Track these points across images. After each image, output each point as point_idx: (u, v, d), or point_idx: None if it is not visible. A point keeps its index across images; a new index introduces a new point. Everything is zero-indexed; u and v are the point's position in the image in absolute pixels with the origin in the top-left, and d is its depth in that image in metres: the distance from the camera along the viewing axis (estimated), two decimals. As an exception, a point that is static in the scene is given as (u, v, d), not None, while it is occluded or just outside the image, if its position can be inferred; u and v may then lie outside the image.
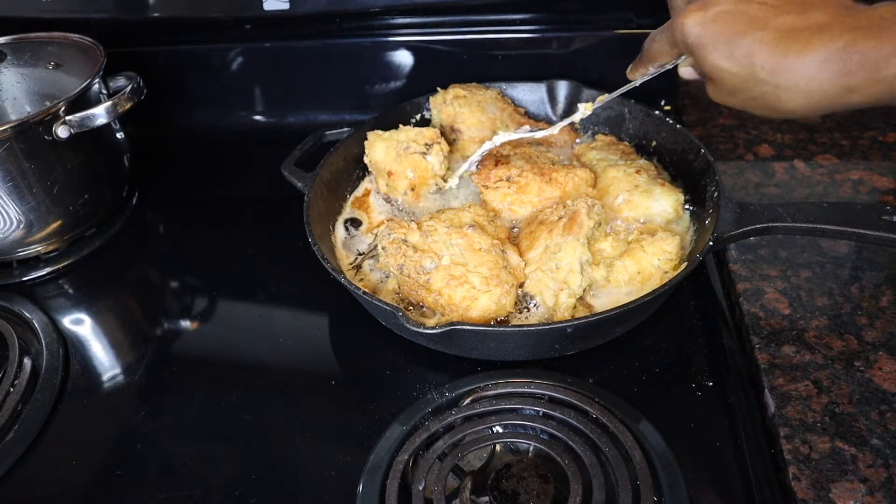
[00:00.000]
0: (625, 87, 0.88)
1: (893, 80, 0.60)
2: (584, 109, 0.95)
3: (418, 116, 1.17)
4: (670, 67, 0.80)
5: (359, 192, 1.09)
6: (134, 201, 1.20)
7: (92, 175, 1.07)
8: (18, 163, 0.96)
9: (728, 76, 0.68)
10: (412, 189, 1.04)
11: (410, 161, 1.03)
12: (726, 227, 0.85)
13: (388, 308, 0.79)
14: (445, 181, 1.05)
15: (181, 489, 0.76)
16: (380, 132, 1.06)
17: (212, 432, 0.82)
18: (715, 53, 0.67)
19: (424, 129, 1.05)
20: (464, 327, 0.77)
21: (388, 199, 1.06)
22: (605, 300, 0.88)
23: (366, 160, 1.06)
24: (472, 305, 0.84)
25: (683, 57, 0.76)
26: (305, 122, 1.33)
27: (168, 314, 0.99)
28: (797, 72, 0.63)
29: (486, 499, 0.70)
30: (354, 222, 1.04)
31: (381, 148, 1.04)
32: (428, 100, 1.15)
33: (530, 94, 1.17)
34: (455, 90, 1.13)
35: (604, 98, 0.95)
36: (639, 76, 0.84)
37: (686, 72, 0.77)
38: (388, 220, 0.92)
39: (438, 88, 1.15)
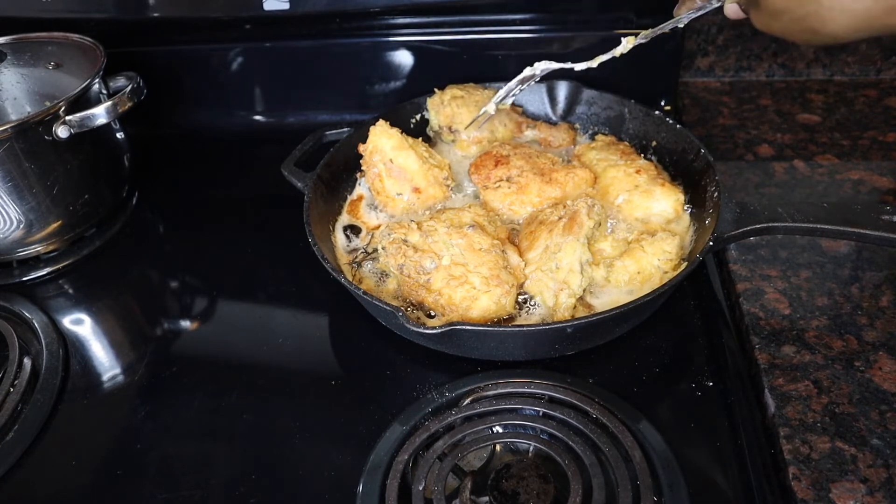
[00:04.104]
0: (668, 23, 0.86)
1: None
2: (626, 42, 0.92)
3: (418, 116, 1.17)
4: (717, 6, 0.79)
5: (353, 195, 1.09)
6: (134, 201, 1.20)
7: (92, 175, 1.07)
8: (18, 163, 0.96)
9: None
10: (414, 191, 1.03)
11: (436, 179, 1.03)
12: (726, 227, 0.85)
13: (388, 308, 0.79)
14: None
15: (181, 489, 0.76)
16: (392, 129, 1.02)
17: (212, 432, 0.82)
18: None
19: (442, 162, 1.05)
20: (464, 327, 0.77)
21: (376, 206, 1.05)
22: (605, 300, 0.88)
23: (363, 149, 1.03)
24: (473, 305, 0.84)
25: None
26: (305, 122, 1.33)
27: (168, 314, 0.99)
28: None
29: (486, 499, 0.70)
30: (354, 229, 1.04)
31: (410, 156, 1.01)
32: (433, 90, 1.15)
33: (530, 94, 1.17)
34: (452, 91, 1.13)
35: (647, 33, 0.91)
36: (684, 12, 0.83)
37: (731, 9, 0.77)
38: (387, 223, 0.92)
39: (436, 90, 1.15)
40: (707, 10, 0.81)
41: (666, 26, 0.88)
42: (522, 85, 1.03)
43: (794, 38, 0.70)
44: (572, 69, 0.97)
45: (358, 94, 1.32)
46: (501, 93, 1.05)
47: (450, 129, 1.13)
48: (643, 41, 0.91)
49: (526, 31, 1.24)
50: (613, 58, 0.94)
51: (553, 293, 0.85)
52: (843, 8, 0.64)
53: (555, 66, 0.98)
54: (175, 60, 1.31)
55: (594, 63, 0.96)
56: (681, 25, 0.87)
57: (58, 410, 0.85)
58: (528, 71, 0.99)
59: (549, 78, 1.16)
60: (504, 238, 0.92)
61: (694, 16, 0.83)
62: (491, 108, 1.06)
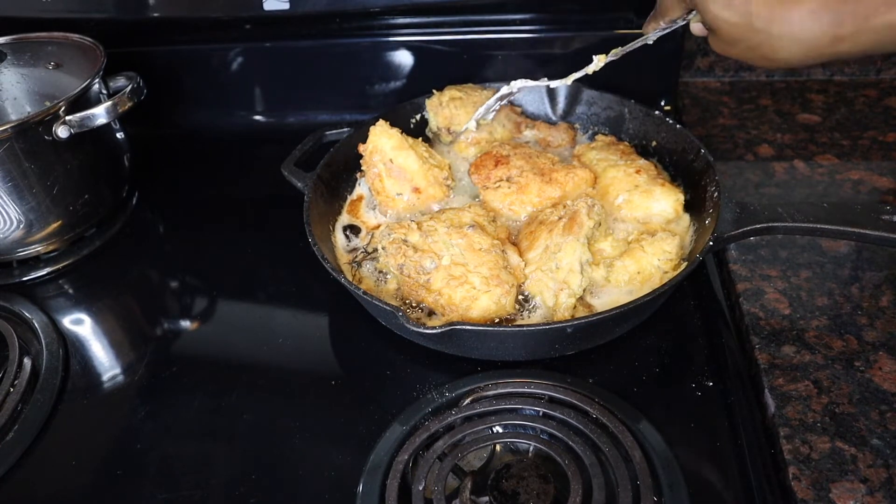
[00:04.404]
0: (638, 41, 0.91)
1: (882, 29, 0.64)
2: (597, 60, 0.96)
3: (418, 116, 1.17)
4: (682, 24, 0.84)
5: (353, 195, 1.09)
6: (134, 201, 1.20)
7: (92, 175, 1.07)
8: (18, 163, 0.96)
9: (727, 26, 0.72)
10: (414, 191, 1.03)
11: (436, 179, 1.03)
12: (726, 227, 0.85)
13: (388, 308, 0.79)
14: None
15: (181, 489, 0.76)
16: (392, 129, 1.02)
17: (212, 432, 0.82)
18: (715, 4, 0.72)
19: (442, 162, 1.05)
20: (464, 327, 0.77)
21: (375, 206, 1.05)
22: (605, 300, 0.88)
23: (363, 149, 1.03)
24: (473, 305, 0.84)
25: (694, 13, 0.81)
26: (305, 122, 1.33)
27: (168, 314, 0.99)
28: (791, 21, 0.67)
29: (486, 499, 0.70)
30: (353, 229, 1.04)
31: (410, 156, 1.01)
32: (432, 91, 1.15)
33: (530, 93, 1.17)
34: (451, 92, 1.13)
35: (617, 51, 0.95)
36: (651, 30, 0.88)
37: (697, 28, 0.82)
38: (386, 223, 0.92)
39: (434, 91, 1.15)
40: (674, 27, 0.86)
41: (635, 44, 0.92)
42: (502, 101, 1.08)
43: (752, 63, 0.75)
44: (547, 87, 1.03)
45: (358, 94, 1.32)
46: (481, 110, 1.08)
47: (448, 130, 1.13)
48: (613, 59, 0.95)
49: (526, 31, 1.24)
50: (610, 60, 0.96)
51: (553, 293, 0.85)
52: (793, 38, 0.68)
53: (531, 83, 1.03)
54: (175, 60, 1.31)
55: (568, 80, 1.00)
56: (649, 42, 0.91)
57: (58, 410, 0.85)
58: (505, 89, 1.05)
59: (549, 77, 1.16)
60: (504, 238, 0.92)
61: (661, 33, 0.88)
62: (472, 124, 1.09)
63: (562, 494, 0.70)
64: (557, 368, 0.84)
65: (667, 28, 0.86)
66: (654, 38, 0.89)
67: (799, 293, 0.89)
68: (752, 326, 0.86)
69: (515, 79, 1.07)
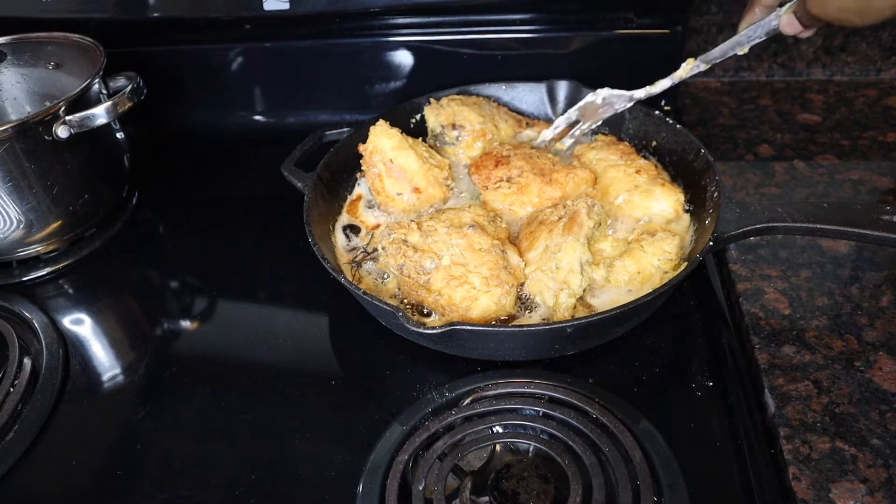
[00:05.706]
0: (731, 44, 0.89)
1: None
2: (686, 66, 0.95)
3: (418, 116, 1.17)
4: (775, 24, 0.83)
5: (353, 195, 1.09)
6: (134, 201, 1.20)
7: (92, 175, 1.07)
8: (18, 163, 0.96)
9: None
10: (414, 191, 1.03)
11: (436, 179, 1.03)
12: (726, 227, 0.85)
13: (388, 308, 0.79)
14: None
15: (181, 489, 0.76)
16: (392, 129, 1.02)
17: (212, 432, 0.82)
18: None
19: (442, 162, 1.05)
20: (464, 327, 0.77)
21: (372, 205, 1.05)
22: (605, 300, 0.88)
23: (363, 149, 1.03)
24: (472, 305, 0.84)
25: (786, 6, 0.82)
26: (305, 122, 1.33)
27: (168, 314, 0.99)
28: None
29: (486, 499, 0.70)
30: (353, 229, 1.04)
31: (410, 156, 1.01)
32: (429, 100, 1.15)
33: (530, 94, 1.17)
34: (449, 97, 1.14)
35: (707, 58, 0.93)
36: (744, 25, 0.88)
37: (786, 21, 0.82)
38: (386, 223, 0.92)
39: (431, 99, 1.15)
40: (768, 29, 0.85)
41: (727, 52, 0.90)
42: (584, 119, 1.05)
43: (845, 18, 0.76)
44: (631, 97, 1.01)
45: (358, 94, 1.32)
46: (561, 120, 1.06)
47: (453, 126, 1.12)
48: (703, 68, 0.94)
49: (526, 31, 1.24)
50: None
51: (553, 293, 0.85)
52: None
53: (616, 92, 1.01)
54: (175, 60, 1.31)
55: (655, 89, 0.99)
56: (739, 52, 0.89)
57: (58, 410, 0.85)
58: (590, 97, 1.02)
59: (550, 77, 1.16)
60: (504, 238, 0.92)
61: (756, 41, 0.86)
62: (547, 133, 1.08)
63: (562, 494, 0.70)
64: (557, 368, 0.84)
65: (760, 29, 0.85)
66: (748, 47, 0.88)
67: (799, 293, 0.89)
68: (752, 326, 0.86)
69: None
